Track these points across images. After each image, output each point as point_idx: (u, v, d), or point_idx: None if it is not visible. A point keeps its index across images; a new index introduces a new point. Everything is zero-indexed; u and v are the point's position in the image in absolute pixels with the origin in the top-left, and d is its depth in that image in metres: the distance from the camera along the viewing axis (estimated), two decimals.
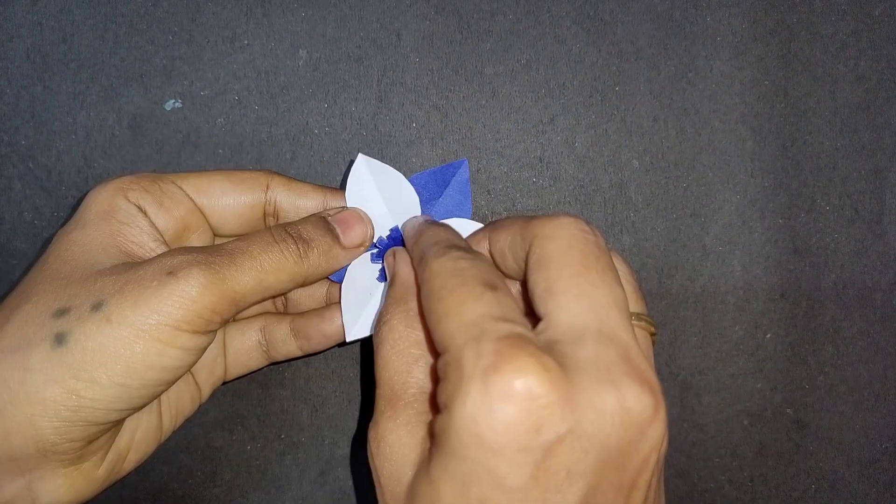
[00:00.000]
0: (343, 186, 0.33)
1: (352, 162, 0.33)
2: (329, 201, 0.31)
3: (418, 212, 0.33)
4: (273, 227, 0.28)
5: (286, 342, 0.32)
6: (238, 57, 0.36)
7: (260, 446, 0.37)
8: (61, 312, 0.24)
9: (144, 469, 0.37)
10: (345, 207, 0.31)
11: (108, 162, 0.36)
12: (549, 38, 0.37)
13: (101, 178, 0.36)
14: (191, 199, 0.29)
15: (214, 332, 0.26)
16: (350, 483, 0.37)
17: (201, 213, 0.30)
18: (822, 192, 0.38)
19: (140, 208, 0.28)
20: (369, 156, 0.36)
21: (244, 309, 0.27)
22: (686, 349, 0.38)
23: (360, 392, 0.37)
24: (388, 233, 0.32)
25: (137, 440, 0.29)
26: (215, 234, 0.31)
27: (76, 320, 0.24)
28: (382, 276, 0.32)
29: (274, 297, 0.30)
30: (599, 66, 0.37)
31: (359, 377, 0.37)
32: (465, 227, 0.32)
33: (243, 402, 0.37)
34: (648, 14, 0.37)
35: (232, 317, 0.27)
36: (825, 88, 0.38)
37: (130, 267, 0.25)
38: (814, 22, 0.38)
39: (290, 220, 0.30)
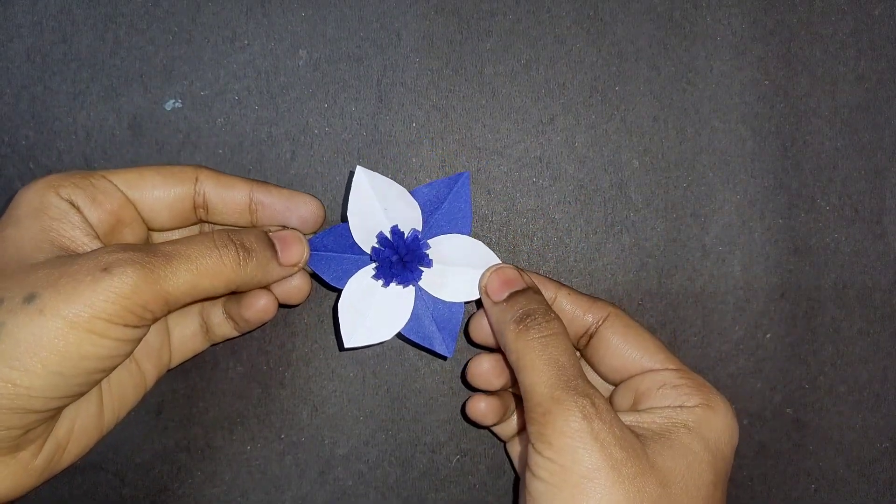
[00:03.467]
0: (345, 199, 0.34)
1: (351, 173, 0.33)
2: (255, 193, 0.32)
3: (419, 224, 0.33)
4: (216, 233, 0.29)
5: (221, 325, 0.33)
6: (238, 57, 0.36)
7: (260, 446, 0.37)
8: None
9: (144, 469, 0.37)
10: (285, 227, 0.32)
11: (108, 162, 0.36)
12: (549, 38, 0.37)
13: None
14: (122, 193, 0.30)
15: (149, 325, 0.27)
16: (350, 483, 0.37)
17: (133, 206, 0.30)
18: (822, 192, 0.38)
19: (72, 204, 0.28)
20: (369, 157, 0.36)
21: (178, 308, 0.28)
22: (686, 349, 0.38)
23: (360, 392, 0.37)
24: (379, 243, 0.33)
25: (77, 430, 0.29)
26: (149, 228, 0.31)
27: (8, 312, 0.24)
28: (387, 279, 0.33)
29: (208, 299, 0.31)
30: (599, 66, 0.37)
31: (359, 377, 0.37)
32: (468, 245, 0.33)
33: (243, 402, 0.37)
34: (648, 14, 0.37)
35: (165, 314, 0.27)
36: (825, 88, 0.38)
37: (65, 261, 0.26)
38: (814, 22, 0.38)
39: (218, 213, 0.31)
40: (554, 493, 0.26)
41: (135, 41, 0.36)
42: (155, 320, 0.27)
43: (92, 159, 0.36)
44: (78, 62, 0.36)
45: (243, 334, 0.35)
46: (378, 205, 0.33)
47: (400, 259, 0.33)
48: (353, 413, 0.37)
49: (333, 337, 0.37)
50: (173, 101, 0.36)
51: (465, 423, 0.37)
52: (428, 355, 0.37)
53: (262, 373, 0.37)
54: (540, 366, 0.28)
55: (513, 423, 0.36)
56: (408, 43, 0.36)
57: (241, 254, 0.28)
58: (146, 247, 0.27)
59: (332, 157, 0.36)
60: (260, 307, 0.32)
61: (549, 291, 0.33)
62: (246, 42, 0.36)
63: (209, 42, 0.36)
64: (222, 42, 0.36)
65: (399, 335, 0.34)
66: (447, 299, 0.33)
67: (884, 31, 0.38)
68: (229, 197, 0.31)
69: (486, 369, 0.33)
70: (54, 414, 0.27)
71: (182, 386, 0.36)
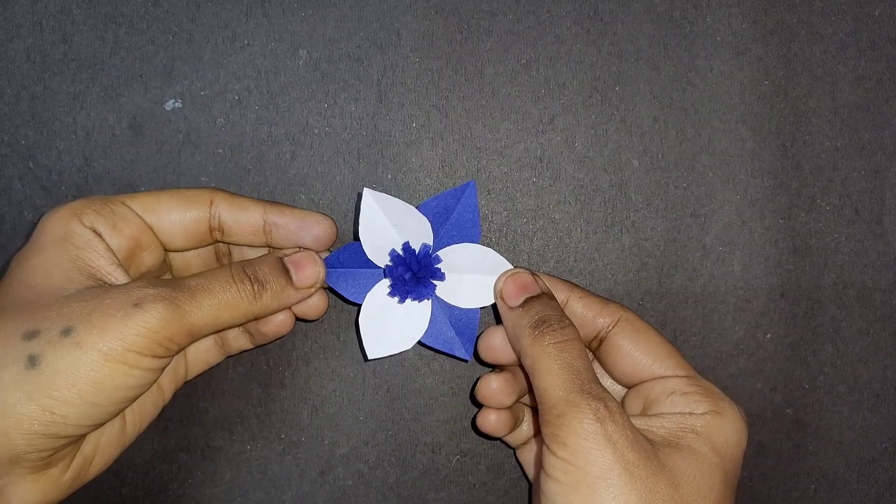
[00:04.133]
0: (355, 219, 0.34)
1: (359, 195, 0.33)
2: (269, 214, 0.32)
3: (430, 239, 0.33)
4: (233, 266, 0.30)
5: (237, 338, 0.34)
6: (238, 57, 0.36)
7: (260, 446, 0.37)
8: (32, 335, 0.26)
9: (144, 469, 0.37)
10: (300, 249, 0.33)
11: (108, 162, 0.36)
12: (549, 38, 0.37)
13: (101, 178, 0.36)
14: (141, 218, 0.31)
15: (174, 355, 0.28)
16: (350, 483, 0.37)
17: (151, 230, 0.31)
18: (822, 192, 0.38)
19: (94, 231, 0.29)
20: (369, 157, 0.37)
21: (200, 338, 0.29)
22: (686, 349, 0.38)
23: (360, 392, 0.37)
24: (391, 261, 0.33)
25: (102, 446, 0.30)
26: (166, 250, 0.32)
27: (47, 343, 0.25)
28: (402, 296, 0.33)
29: (228, 329, 0.32)
30: (599, 66, 0.37)
31: (359, 377, 0.37)
32: (480, 253, 0.34)
33: (243, 402, 0.37)
34: (648, 14, 0.37)
35: (189, 344, 0.28)
36: (825, 88, 0.38)
37: (97, 294, 0.27)
38: (814, 22, 0.38)
39: (233, 234, 0.32)
40: (568, 492, 0.26)
41: (135, 41, 0.36)
42: (179, 350, 0.28)
43: (92, 159, 0.36)
44: (78, 62, 0.36)
45: (258, 346, 0.35)
46: (388, 223, 0.33)
47: (413, 275, 0.33)
48: (353, 413, 0.37)
49: (333, 336, 0.37)
50: (173, 101, 0.36)
51: (465, 423, 0.37)
52: (428, 355, 0.37)
53: (262, 373, 0.37)
54: (555, 370, 0.28)
55: (523, 430, 0.36)
56: (408, 43, 0.36)
57: (255, 288, 0.30)
58: (172, 282, 0.28)
59: (332, 157, 0.36)
60: (277, 322, 0.33)
61: (560, 293, 0.33)
62: (246, 42, 0.36)
63: (209, 42, 0.36)
64: (222, 42, 0.36)
65: (419, 342, 0.34)
66: (463, 306, 0.34)
67: (884, 31, 0.38)
68: (243, 219, 0.32)
69: (495, 388, 0.33)
70: (83, 437, 0.28)
71: (182, 386, 0.36)
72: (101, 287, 0.28)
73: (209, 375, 0.37)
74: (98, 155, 0.36)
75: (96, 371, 0.25)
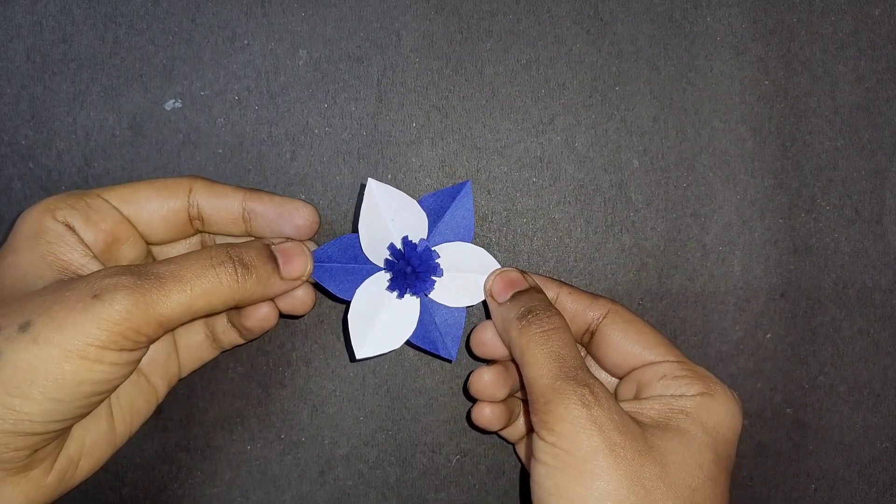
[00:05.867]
0: (356, 211, 0.34)
1: (362, 186, 0.33)
2: (247, 201, 0.31)
3: (425, 233, 0.33)
4: (214, 249, 0.28)
5: (227, 333, 0.33)
6: (238, 57, 0.36)
7: (260, 446, 0.37)
8: None
9: (144, 469, 0.37)
10: (288, 239, 0.31)
11: (108, 162, 0.36)
12: (549, 38, 0.37)
13: (101, 178, 0.36)
14: (118, 210, 0.30)
15: (146, 348, 0.27)
16: (350, 483, 0.37)
17: (129, 223, 0.30)
18: (822, 192, 0.38)
19: (67, 226, 0.28)
20: (369, 157, 0.37)
21: (176, 327, 0.27)
22: (686, 349, 0.38)
23: (360, 392, 0.37)
24: (391, 255, 0.33)
25: (89, 446, 0.29)
26: (147, 243, 0.31)
27: (5, 340, 0.24)
28: (401, 291, 0.33)
29: (208, 316, 0.31)
30: (599, 66, 0.37)
31: (359, 377, 0.37)
32: (470, 252, 0.34)
33: (243, 402, 0.37)
34: (648, 14, 0.37)
35: (161, 335, 0.27)
36: (825, 88, 0.38)
37: (61, 286, 0.26)
38: (814, 22, 0.38)
39: (213, 223, 0.31)
40: (556, 474, 0.26)
41: (135, 41, 0.36)
42: (151, 342, 0.27)
43: (92, 159, 0.36)
44: (78, 62, 0.36)
45: (249, 341, 0.35)
46: (386, 215, 0.33)
47: (413, 270, 0.33)
48: (353, 413, 0.37)
49: (333, 336, 0.37)
50: (173, 101, 0.36)
51: (465, 423, 0.37)
52: (428, 355, 0.37)
53: (262, 373, 0.37)
54: (542, 359, 0.28)
55: (520, 425, 0.36)
56: (408, 43, 0.36)
57: (239, 271, 0.28)
58: (140, 269, 0.26)
59: (332, 157, 0.36)
60: (260, 316, 0.32)
61: (550, 291, 0.33)
62: (246, 42, 0.36)
63: (209, 42, 0.36)
64: (222, 42, 0.36)
65: (406, 341, 0.34)
66: (451, 304, 0.34)
67: (884, 31, 0.38)
68: (222, 207, 0.31)
69: (487, 381, 0.33)
70: (60, 434, 0.27)
71: (182, 386, 0.36)
72: (68, 279, 0.27)
73: (209, 376, 0.37)
74: (98, 155, 0.36)
75: (55, 367, 0.24)
